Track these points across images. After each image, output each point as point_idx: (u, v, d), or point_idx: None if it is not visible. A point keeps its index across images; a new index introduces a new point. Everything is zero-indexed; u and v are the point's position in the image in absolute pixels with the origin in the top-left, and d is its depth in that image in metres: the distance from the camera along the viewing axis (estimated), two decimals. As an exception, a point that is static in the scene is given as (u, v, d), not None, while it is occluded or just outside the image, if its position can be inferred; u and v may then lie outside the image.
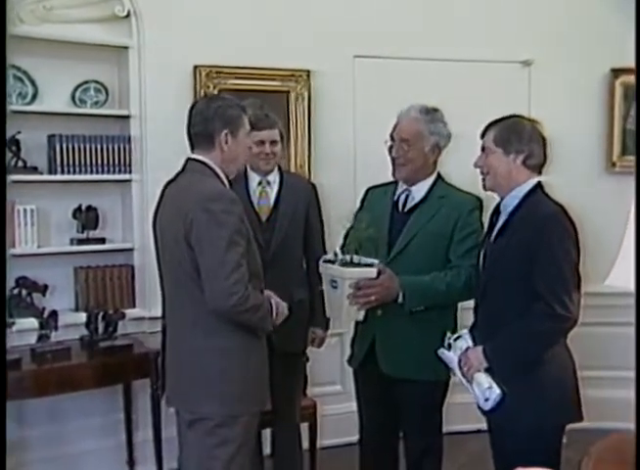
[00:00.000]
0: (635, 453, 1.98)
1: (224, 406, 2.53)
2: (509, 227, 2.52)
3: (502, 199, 2.60)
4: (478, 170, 2.64)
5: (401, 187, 3.00)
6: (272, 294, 2.65)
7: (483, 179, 2.61)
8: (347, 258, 2.73)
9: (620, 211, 3.14)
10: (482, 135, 2.62)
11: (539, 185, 2.57)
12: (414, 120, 2.89)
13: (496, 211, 2.64)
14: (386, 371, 2.91)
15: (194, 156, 2.61)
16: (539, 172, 2.59)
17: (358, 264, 2.74)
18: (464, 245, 2.86)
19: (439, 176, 2.99)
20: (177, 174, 2.66)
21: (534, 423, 2.46)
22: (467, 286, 2.79)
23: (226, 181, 2.60)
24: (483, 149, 2.60)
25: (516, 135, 2.53)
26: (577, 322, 2.46)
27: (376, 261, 2.77)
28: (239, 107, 2.60)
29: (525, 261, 2.42)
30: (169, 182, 2.68)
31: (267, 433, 3.59)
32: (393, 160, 2.93)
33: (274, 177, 3.33)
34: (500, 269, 2.52)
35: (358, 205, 3.19)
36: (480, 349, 2.53)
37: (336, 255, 2.76)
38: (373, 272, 2.72)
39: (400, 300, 2.78)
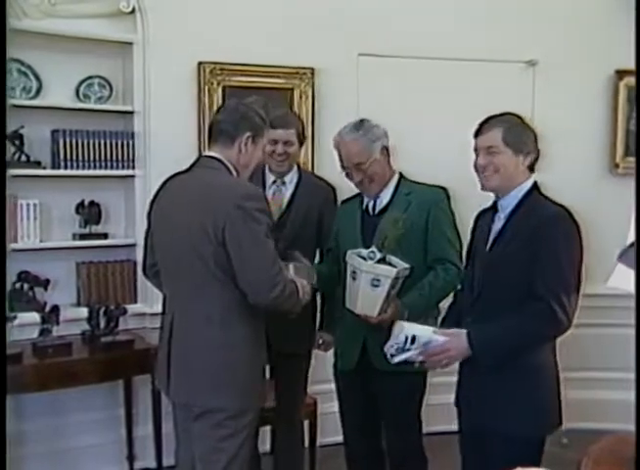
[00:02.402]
0: (635, 454, 1.98)
1: (235, 400, 2.57)
2: (508, 230, 2.47)
3: (497, 199, 2.56)
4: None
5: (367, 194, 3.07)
6: (293, 275, 2.71)
7: (484, 178, 2.51)
8: (379, 255, 2.79)
9: (623, 213, 3.15)
10: (479, 133, 2.53)
11: (536, 184, 2.54)
12: (353, 142, 2.94)
13: (484, 213, 2.63)
14: (378, 366, 2.90)
15: (207, 153, 2.67)
16: (533, 170, 2.57)
17: (388, 262, 2.80)
18: (443, 236, 2.95)
19: (401, 176, 3.07)
20: (187, 169, 2.69)
21: (518, 429, 2.41)
22: (456, 280, 2.88)
23: (236, 175, 2.65)
24: (488, 146, 2.49)
25: (526, 136, 2.49)
26: (571, 326, 2.41)
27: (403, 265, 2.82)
28: (264, 120, 2.70)
29: (528, 263, 2.37)
30: (172, 176, 2.71)
31: (265, 430, 3.60)
32: (358, 184, 3.00)
33: (291, 178, 3.32)
34: (501, 275, 2.45)
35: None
36: (463, 334, 2.44)
37: (373, 252, 2.79)
38: (392, 271, 2.77)
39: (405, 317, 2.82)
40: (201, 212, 2.51)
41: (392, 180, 3.05)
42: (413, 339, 2.47)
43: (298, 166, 3.38)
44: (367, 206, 3.07)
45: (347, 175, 3.01)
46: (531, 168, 2.55)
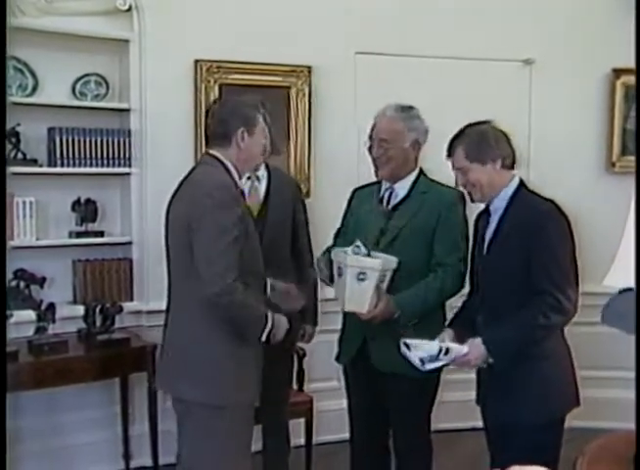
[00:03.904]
0: (635, 454, 1.98)
1: (210, 395, 2.55)
2: (501, 231, 2.54)
3: (489, 203, 2.61)
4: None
5: (385, 185, 3.04)
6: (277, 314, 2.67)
7: (469, 193, 2.62)
8: (364, 250, 2.79)
9: (620, 212, 3.14)
10: (449, 154, 2.61)
11: (522, 182, 2.59)
12: (391, 119, 2.92)
13: (481, 215, 2.66)
14: (378, 367, 2.93)
15: (210, 151, 2.69)
16: (513, 167, 2.60)
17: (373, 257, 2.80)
18: (449, 239, 2.90)
19: (422, 172, 3.04)
20: (193, 169, 2.74)
21: (537, 418, 2.47)
22: (456, 285, 2.89)
23: (237, 176, 2.65)
24: (458, 168, 2.59)
25: (485, 144, 2.54)
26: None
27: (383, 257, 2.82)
28: (254, 106, 2.68)
29: (525, 260, 2.44)
30: (186, 176, 2.73)
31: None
32: (375, 159, 2.98)
33: (262, 172, 3.32)
34: (500, 275, 2.53)
35: (345, 207, 3.23)
36: (479, 342, 2.51)
37: (358, 247, 2.79)
38: (376, 262, 2.78)
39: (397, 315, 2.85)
40: (183, 207, 2.57)
41: (411, 175, 3.00)
42: (447, 351, 2.52)
43: (265, 161, 3.38)
44: (382, 198, 3.03)
45: (370, 148, 2.97)
46: (510, 166, 2.58)
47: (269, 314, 2.60)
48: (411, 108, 2.97)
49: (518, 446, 2.46)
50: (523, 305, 2.45)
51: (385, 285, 2.82)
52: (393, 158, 2.93)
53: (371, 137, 2.98)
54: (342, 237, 3.14)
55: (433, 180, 3.03)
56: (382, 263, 2.76)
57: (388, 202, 3.01)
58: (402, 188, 2.99)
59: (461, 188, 2.66)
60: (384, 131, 2.93)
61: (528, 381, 2.49)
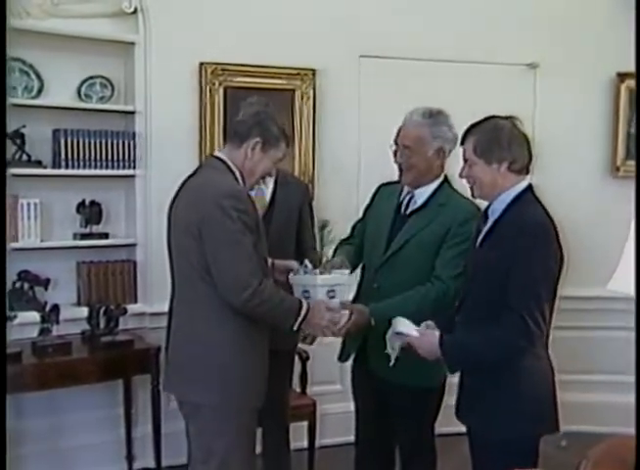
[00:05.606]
0: (635, 457, 1.98)
1: (222, 399, 2.56)
2: (494, 234, 2.47)
3: (490, 204, 2.54)
4: None
5: (406, 189, 2.98)
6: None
7: (471, 188, 2.55)
8: (310, 266, 2.76)
9: (624, 216, 3.14)
10: (462, 142, 2.54)
11: (529, 187, 2.50)
12: (417, 125, 2.84)
13: (484, 216, 2.60)
14: (376, 373, 2.90)
15: (215, 153, 2.68)
16: (527, 172, 2.52)
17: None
18: (448, 253, 2.82)
19: (445, 180, 2.95)
20: (196, 169, 2.74)
21: (507, 434, 2.42)
22: (441, 300, 2.77)
23: (241, 180, 2.62)
24: (465, 159, 2.52)
25: (496, 143, 2.44)
26: (544, 336, 2.44)
27: (347, 271, 2.81)
28: (283, 131, 2.65)
29: (504, 272, 2.36)
30: (189, 177, 2.72)
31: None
32: (398, 165, 2.92)
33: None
34: (481, 276, 2.48)
35: (368, 200, 3.20)
36: (436, 336, 2.47)
37: (306, 266, 2.77)
38: (344, 277, 2.76)
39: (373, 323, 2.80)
40: (189, 211, 2.54)
41: (434, 183, 2.91)
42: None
43: None
44: (402, 201, 2.98)
45: (394, 153, 2.90)
46: (522, 171, 2.50)
47: (304, 303, 2.60)
48: (440, 113, 2.86)
49: (490, 458, 2.44)
50: (496, 314, 2.37)
51: (344, 299, 2.79)
52: (415, 165, 2.86)
53: (396, 142, 2.90)
54: (359, 229, 3.14)
55: (455, 190, 2.94)
56: (322, 279, 2.71)
57: (407, 206, 2.96)
58: (421, 196, 2.92)
59: (464, 180, 2.58)
60: (407, 138, 2.85)
61: (501, 395, 2.43)
